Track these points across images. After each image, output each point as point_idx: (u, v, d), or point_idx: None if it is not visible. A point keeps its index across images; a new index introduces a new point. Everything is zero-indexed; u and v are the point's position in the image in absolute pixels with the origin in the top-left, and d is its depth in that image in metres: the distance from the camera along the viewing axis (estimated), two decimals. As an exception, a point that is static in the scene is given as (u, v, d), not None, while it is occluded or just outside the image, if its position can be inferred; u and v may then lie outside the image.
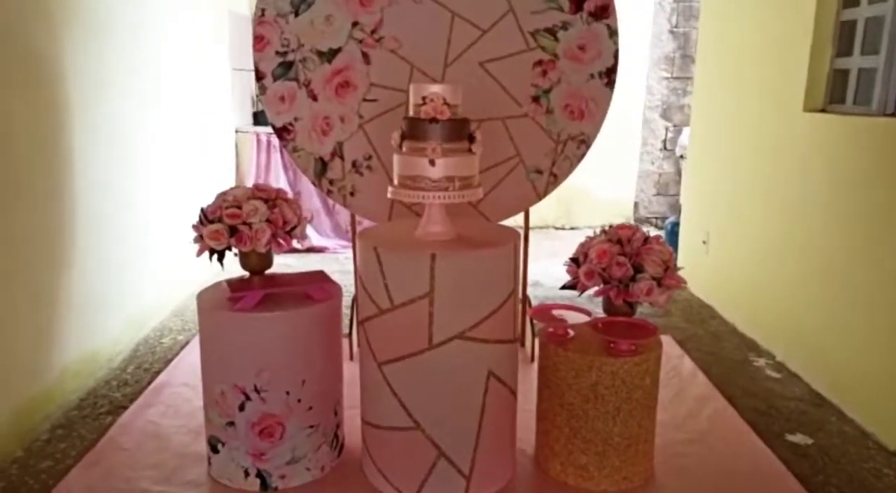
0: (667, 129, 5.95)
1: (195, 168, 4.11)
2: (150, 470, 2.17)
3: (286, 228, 2.13)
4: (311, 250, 5.09)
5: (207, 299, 2.09)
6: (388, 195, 2.01)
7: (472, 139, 1.97)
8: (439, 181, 1.91)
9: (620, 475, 2.07)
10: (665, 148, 5.97)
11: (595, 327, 2.08)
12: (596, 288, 2.10)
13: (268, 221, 2.07)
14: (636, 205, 6.06)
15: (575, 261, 2.15)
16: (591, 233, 2.19)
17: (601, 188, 5.78)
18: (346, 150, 2.73)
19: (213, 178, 4.41)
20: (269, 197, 2.13)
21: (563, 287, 2.21)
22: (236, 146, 4.97)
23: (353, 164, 2.76)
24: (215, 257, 2.10)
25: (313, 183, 2.82)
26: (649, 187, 6.07)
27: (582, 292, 2.13)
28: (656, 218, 6.07)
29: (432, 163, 1.89)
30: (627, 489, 2.08)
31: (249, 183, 4.28)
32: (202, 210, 2.11)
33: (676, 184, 6.04)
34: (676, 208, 6.04)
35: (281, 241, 2.13)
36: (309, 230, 5.11)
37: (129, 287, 3.24)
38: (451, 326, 1.90)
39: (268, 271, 2.21)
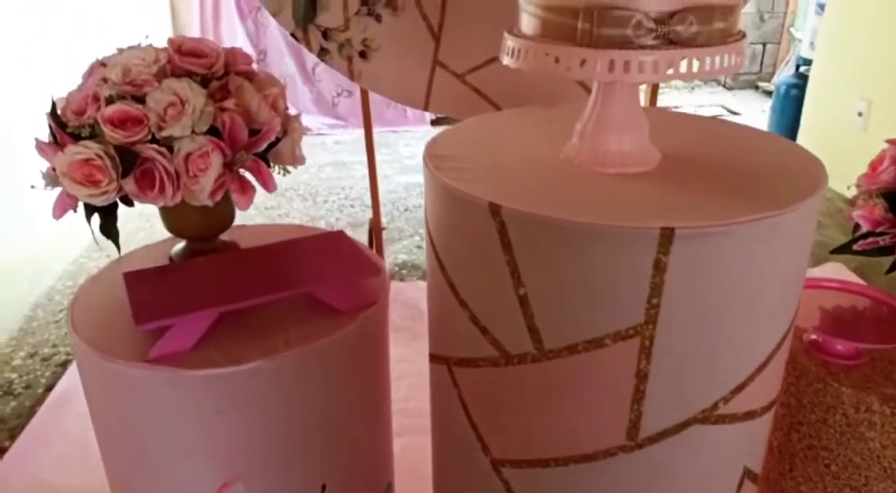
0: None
1: (110, 29, 2.74)
2: None
3: (260, 145, 0.92)
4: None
5: (90, 322, 0.91)
6: (505, 61, 0.80)
7: None
8: (664, 16, 0.70)
9: None
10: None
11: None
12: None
13: (212, 132, 0.87)
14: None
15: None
16: None
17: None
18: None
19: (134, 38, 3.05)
20: (210, 67, 0.91)
21: (844, 248, 1.08)
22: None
23: (365, -1, 1.54)
24: (96, 220, 0.92)
25: (294, 37, 1.58)
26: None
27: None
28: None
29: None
30: None
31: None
32: (53, 107, 0.89)
33: (757, 27, 4.70)
34: (758, 62, 4.73)
35: (247, 175, 0.93)
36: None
37: (18, 213, 2.04)
38: (689, 395, 0.77)
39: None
